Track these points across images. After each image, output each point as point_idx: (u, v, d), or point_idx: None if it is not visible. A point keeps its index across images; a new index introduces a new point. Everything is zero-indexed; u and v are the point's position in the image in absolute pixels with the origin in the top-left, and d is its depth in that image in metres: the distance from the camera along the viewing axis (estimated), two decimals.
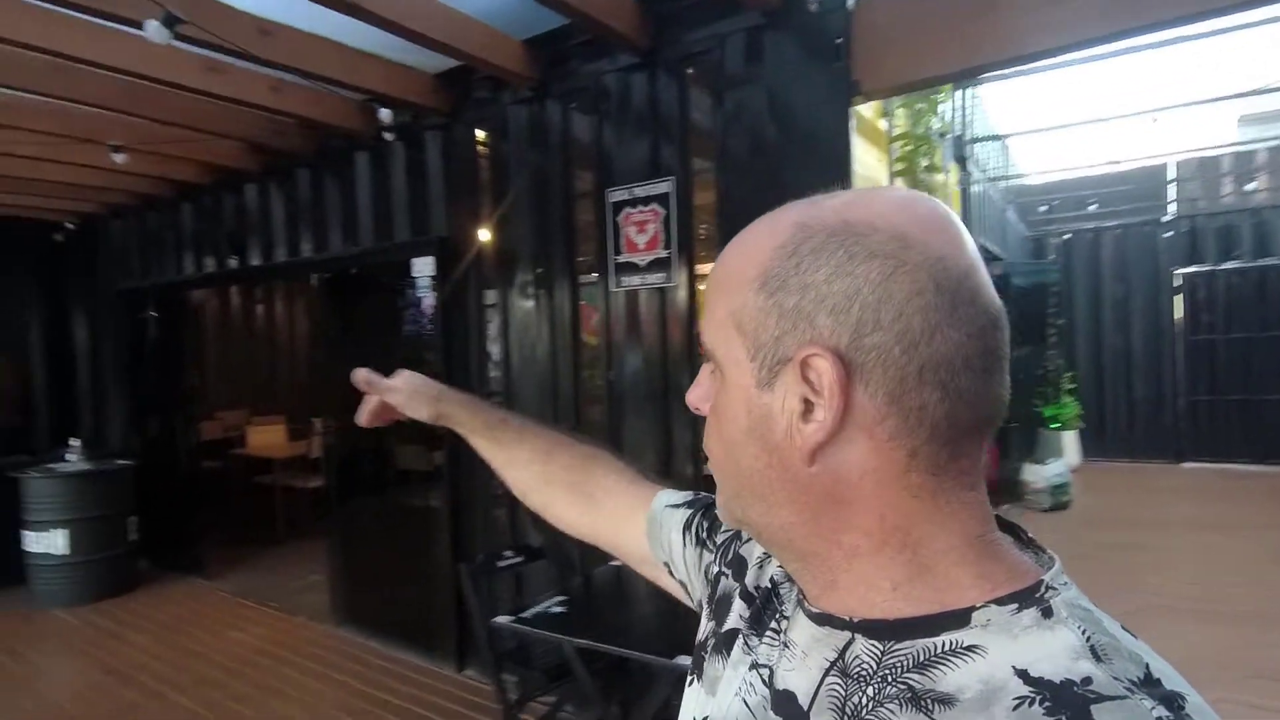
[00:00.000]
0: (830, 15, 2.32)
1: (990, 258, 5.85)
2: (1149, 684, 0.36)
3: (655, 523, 0.72)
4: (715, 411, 0.48)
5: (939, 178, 2.73)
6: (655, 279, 2.74)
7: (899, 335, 0.39)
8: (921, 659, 0.40)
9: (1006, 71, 2.64)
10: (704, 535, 0.67)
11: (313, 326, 7.50)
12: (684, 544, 0.68)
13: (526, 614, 2.43)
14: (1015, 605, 0.39)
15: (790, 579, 0.52)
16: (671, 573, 0.71)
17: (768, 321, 0.43)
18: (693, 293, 2.69)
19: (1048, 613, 0.39)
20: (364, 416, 0.93)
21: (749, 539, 0.61)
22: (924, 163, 2.53)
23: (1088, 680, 0.35)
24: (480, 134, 3.31)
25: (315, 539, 4.89)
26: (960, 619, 0.40)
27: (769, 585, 0.55)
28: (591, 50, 2.84)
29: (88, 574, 4.57)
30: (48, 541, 4.48)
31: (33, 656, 3.89)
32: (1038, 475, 6.27)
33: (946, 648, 0.39)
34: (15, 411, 5.51)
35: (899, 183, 2.75)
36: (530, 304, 3.16)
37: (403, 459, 4.19)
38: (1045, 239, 8.73)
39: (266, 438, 6.41)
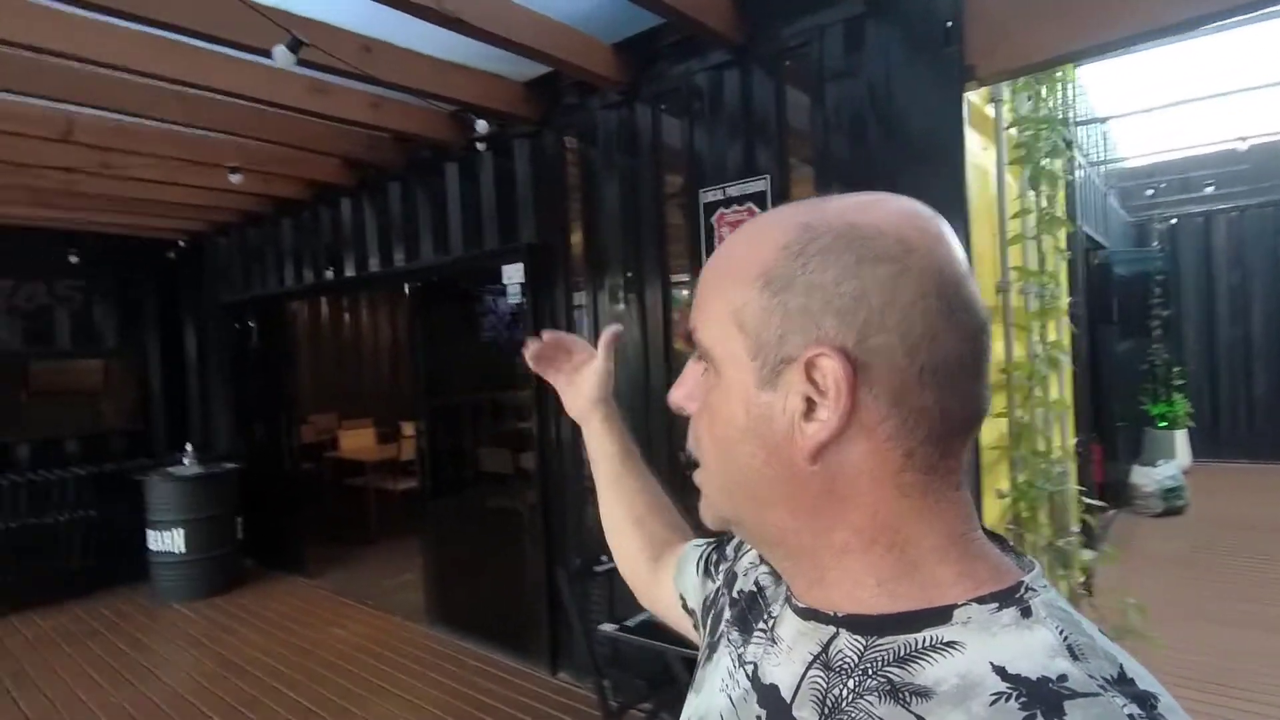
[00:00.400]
0: None
1: (1092, 245, 5.49)
2: (1122, 683, 0.36)
3: (684, 559, 0.75)
4: (708, 409, 0.48)
5: (1055, 164, 2.55)
6: None
7: (902, 337, 0.40)
8: (902, 653, 0.40)
9: (1134, 48, 2.45)
10: (711, 567, 0.69)
11: (401, 334, 7.79)
12: (695, 573, 0.71)
13: (630, 622, 2.42)
14: (995, 604, 0.40)
15: (777, 582, 0.53)
16: (685, 604, 0.73)
17: (771, 320, 0.43)
18: None
19: (1026, 612, 0.40)
20: (535, 346, 0.89)
21: (742, 555, 0.63)
22: (1045, 148, 2.37)
23: (1063, 677, 0.36)
24: (569, 140, 3.33)
25: (407, 539, 5.06)
26: (942, 615, 0.40)
27: (754, 588, 0.56)
28: (682, 50, 2.81)
29: (202, 571, 4.86)
30: (169, 540, 4.79)
31: (157, 648, 4.15)
32: (1147, 478, 5.86)
33: (927, 643, 0.40)
34: (136, 418, 5.92)
35: (1010, 172, 2.60)
36: (620, 307, 3.15)
37: (491, 462, 4.27)
38: (1149, 225, 8.14)
39: (357, 441, 6.68)
